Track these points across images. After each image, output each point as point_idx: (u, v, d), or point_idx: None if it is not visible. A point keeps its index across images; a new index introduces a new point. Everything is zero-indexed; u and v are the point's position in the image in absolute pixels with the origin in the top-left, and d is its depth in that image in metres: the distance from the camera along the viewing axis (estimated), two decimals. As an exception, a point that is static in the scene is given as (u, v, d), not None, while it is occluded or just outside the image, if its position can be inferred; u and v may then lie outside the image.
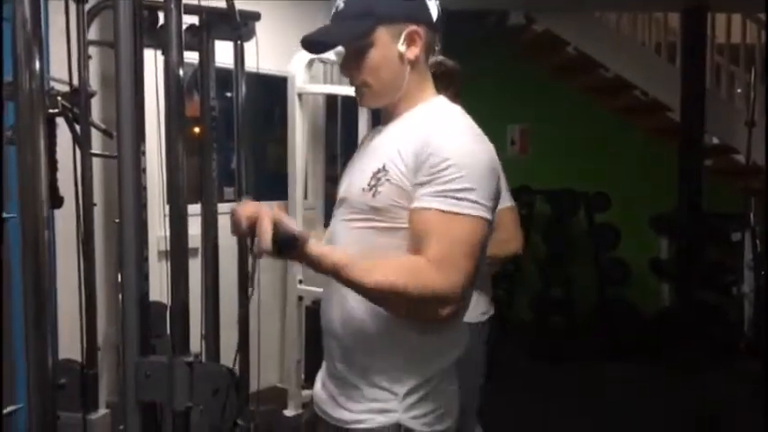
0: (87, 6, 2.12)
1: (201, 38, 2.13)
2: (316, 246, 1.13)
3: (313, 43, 1.28)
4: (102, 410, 2.23)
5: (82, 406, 1.91)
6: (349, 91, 1.39)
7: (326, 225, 1.36)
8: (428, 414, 1.22)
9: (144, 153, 1.24)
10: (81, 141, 1.87)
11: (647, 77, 5.25)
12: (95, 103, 2.39)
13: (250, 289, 2.09)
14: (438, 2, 1.28)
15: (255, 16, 2.28)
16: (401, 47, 1.23)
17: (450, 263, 1.12)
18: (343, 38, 1.27)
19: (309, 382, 1.90)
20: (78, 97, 1.81)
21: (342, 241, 1.26)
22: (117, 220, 1.20)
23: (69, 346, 1.62)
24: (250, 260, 1.21)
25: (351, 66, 1.27)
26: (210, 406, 1.22)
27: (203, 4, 2.02)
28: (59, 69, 1.52)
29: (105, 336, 2.56)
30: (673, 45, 5.24)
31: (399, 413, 1.20)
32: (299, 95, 3.42)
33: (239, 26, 2.18)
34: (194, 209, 1.68)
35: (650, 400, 3.88)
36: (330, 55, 3.27)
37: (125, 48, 1.17)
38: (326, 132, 3.90)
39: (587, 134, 5.48)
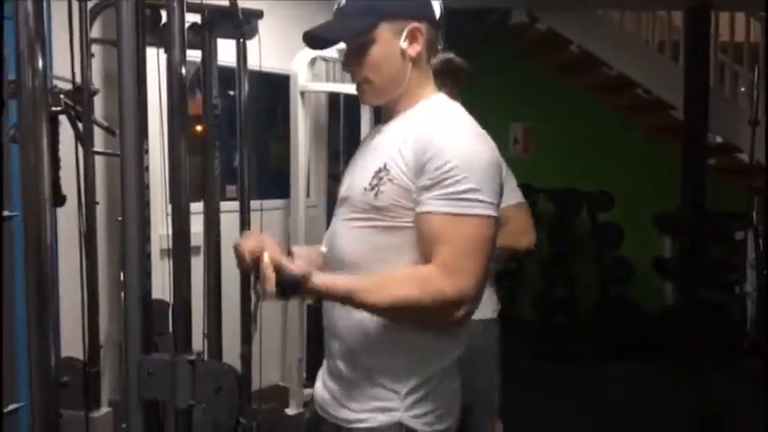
0: (90, 4, 2.12)
1: (204, 36, 2.13)
2: (319, 278, 1.15)
3: (315, 39, 1.28)
4: (105, 408, 2.24)
5: (84, 404, 1.91)
6: (351, 89, 1.39)
7: (329, 223, 1.36)
8: (429, 413, 1.21)
9: (147, 151, 1.24)
10: (84, 139, 1.87)
11: (650, 76, 5.24)
12: (98, 101, 2.39)
13: (252, 325, 2.11)
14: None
15: (258, 14, 2.28)
16: (403, 44, 1.23)
17: (460, 266, 1.12)
18: (345, 34, 1.27)
19: (311, 380, 1.90)
20: (81, 95, 1.81)
21: (342, 241, 1.26)
22: (119, 218, 1.20)
23: (71, 343, 1.62)
24: (253, 299, 1.22)
25: (352, 62, 1.27)
26: (213, 404, 1.22)
27: (206, 2, 2.02)
28: (62, 67, 1.52)
29: (108, 334, 2.57)
30: (676, 43, 5.24)
31: (401, 412, 1.20)
32: (302, 93, 3.42)
33: (242, 24, 2.18)
34: (197, 207, 1.68)
35: (653, 399, 3.87)
36: (332, 53, 3.26)
37: (128, 46, 1.17)
38: (329, 130, 3.91)
39: (590, 133, 5.46)
